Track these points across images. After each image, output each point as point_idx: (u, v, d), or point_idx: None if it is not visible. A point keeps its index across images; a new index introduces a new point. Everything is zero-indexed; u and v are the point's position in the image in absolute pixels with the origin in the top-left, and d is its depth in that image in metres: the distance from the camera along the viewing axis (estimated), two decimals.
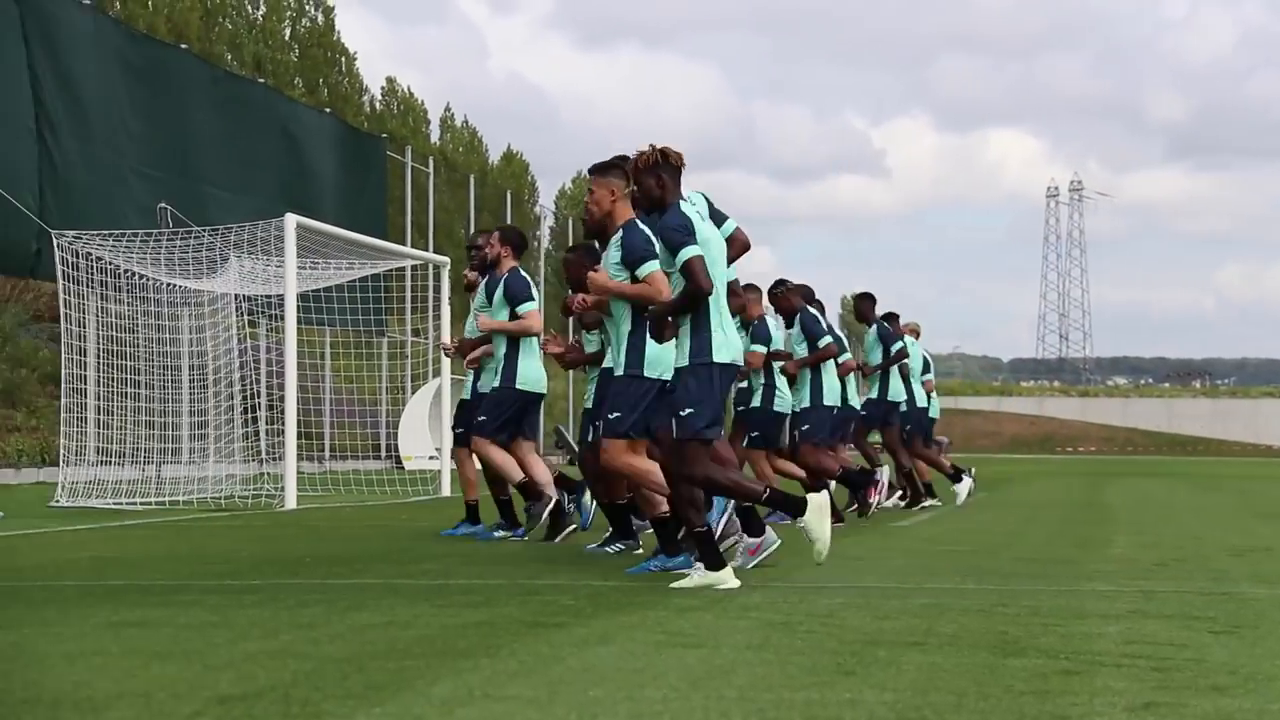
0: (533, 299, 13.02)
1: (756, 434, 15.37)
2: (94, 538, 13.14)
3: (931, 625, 7.08)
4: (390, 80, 64.90)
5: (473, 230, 47.99)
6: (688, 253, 8.73)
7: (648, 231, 9.31)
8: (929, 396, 20.63)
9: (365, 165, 36.67)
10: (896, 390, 18.84)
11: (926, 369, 20.95)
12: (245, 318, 23.37)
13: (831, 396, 15.92)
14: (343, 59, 58.30)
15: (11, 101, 23.98)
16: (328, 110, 40.26)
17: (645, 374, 9.49)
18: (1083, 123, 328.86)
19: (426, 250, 34.44)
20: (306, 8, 56.47)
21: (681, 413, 8.71)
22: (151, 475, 20.66)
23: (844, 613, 7.52)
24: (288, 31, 55.66)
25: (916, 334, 21.01)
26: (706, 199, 10.27)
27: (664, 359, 9.37)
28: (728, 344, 8.83)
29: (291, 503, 18.21)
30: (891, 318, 19.83)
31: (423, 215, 42.58)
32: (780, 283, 16.32)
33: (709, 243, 8.92)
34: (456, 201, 50.43)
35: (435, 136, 65.63)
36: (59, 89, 25.00)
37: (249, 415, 21.47)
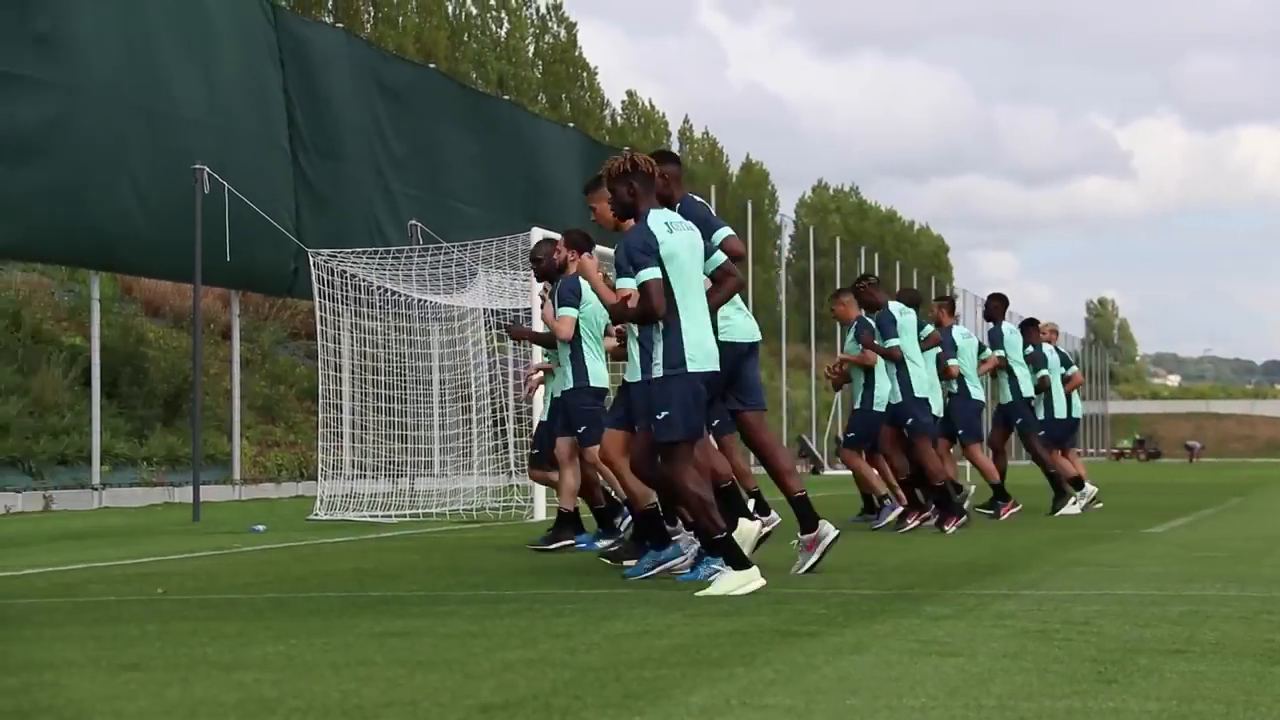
0: (573, 305, 12.88)
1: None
2: (353, 550, 13.44)
3: (1193, 633, 6.95)
4: (631, 93, 65.44)
5: None
6: (645, 275, 8.96)
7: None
8: (1069, 398, 20.24)
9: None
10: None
11: (1066, 367, 20.47)
12: (494, 331, 23.73)
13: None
14: (584, 74, 58.85)
15: (268, 124, 24.67)
16: (570, 125, 40.70)
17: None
18: None
19: None
20: (549, 24, 57.12)
21: (658, 416, 8.94)
22: (405, 488, 21.07)
23: (1101, 620, 7.41)
24: (531, 48, 56.35)
25: (1055, 335, 20.72)
26: (706, 205, 10.50)
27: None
28: (702, 350, 9.00)
29: (540, 514, 18.43)
30: (1031, 323, 19.91)
31: None
32: (864, 277, 16.47)
33: (676, 255, 9.06)
34: None
35: (675, 148, 65.86)
36: (312, 110, 25.66)
37: (498, 428, 21.79)
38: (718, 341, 9.63)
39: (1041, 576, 10.08)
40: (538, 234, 19.57)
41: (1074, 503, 19.05)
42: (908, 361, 15.66)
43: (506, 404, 21.58)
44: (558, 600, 8.70)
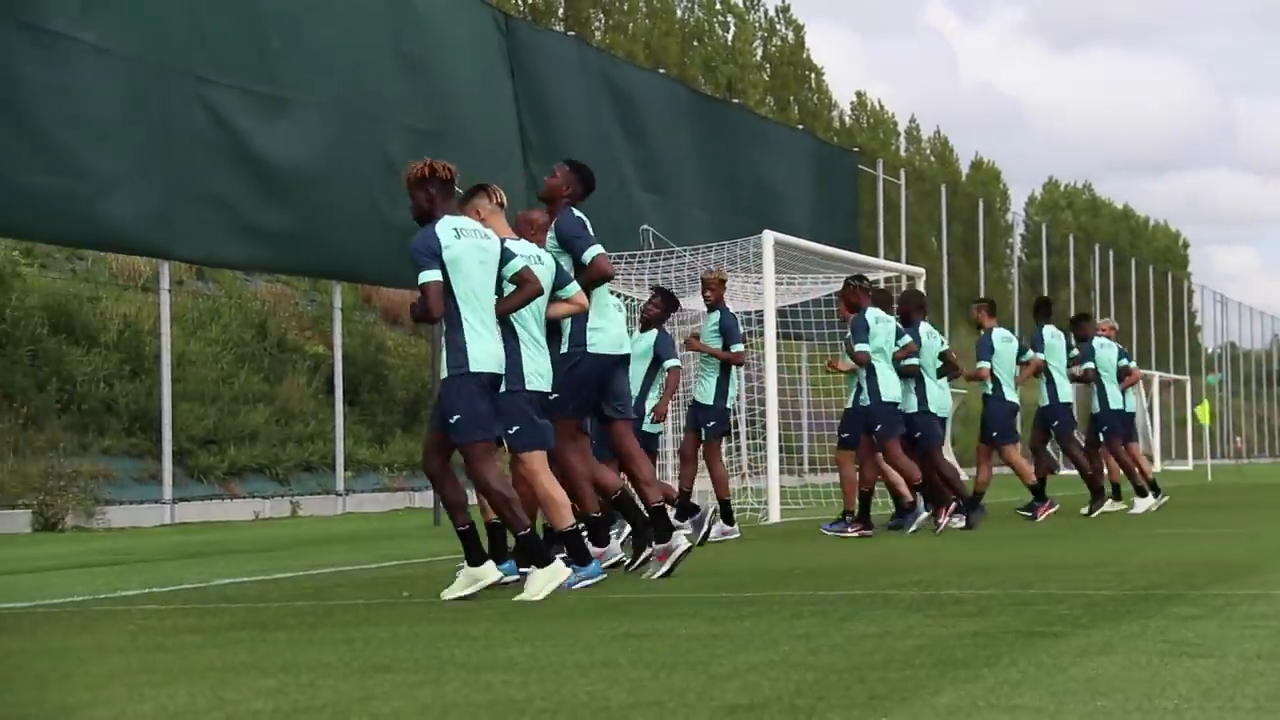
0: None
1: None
2: None
3: None
4: (860, 94, 65.17)
5: (944, 241, 47.75)
6: (425, 277, 9.21)
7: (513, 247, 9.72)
8: (1124, 394, 19.71)
9: (837, 180, 36.90)
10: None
11: (1123, 361, 19.92)
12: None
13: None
14: (811, 75, 58.74)
15: (499, 132, 25.02)
16: (799, 127, 40.67)
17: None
18: None
19: (899, 262, 34.45)
20: (777, 26, 57.13)
21: (449, 420, 9.20)
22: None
23: None
24: (759, 51, 56.40)
25: (1113, 331, 20.26)
26: (584, 221, 10.72)
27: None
28: (484, 352, 9.25)
29: (775, 516, 18.44)
30: (1083, 318, 19.99)
31: (894, 227, 42.59)
32: (856, 277, 16.45)
33: (459, 260, 9.24)
34: (926, 212, 50.28)
35: (902, 148, 65.48)
36: (543, 118, 25.97)
37: (731, 430, 21.78)
38: (587, 353, 10.30)
39: None
40: (770, 237, 19.61)
41: (1123, 503, 19.20)
42: (877, 367, 15.44)
43: (739, 407, 21.59)
44: (796, 602, 8.71)
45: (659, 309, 14.65)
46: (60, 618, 8.78)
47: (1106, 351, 19.72)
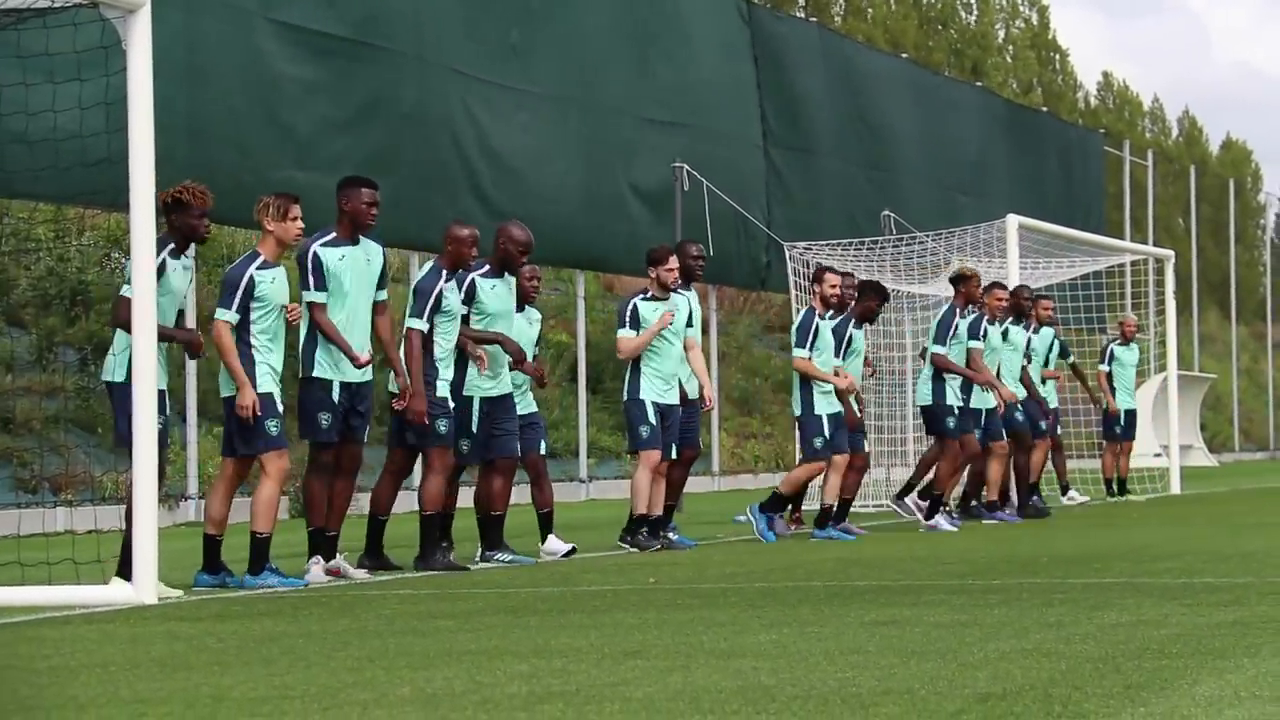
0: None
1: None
2: (835, 540, 13.49)
3: None
4: (1106, 75, 64.02)
5: (1194, 223, 46.76)
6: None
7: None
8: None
9: (1083, 162, 36.31)
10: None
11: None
12: None
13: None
14: (1056, 57, 57.87)
15: (742, 120, 25.06)
16: (1043, 109, 40.09)
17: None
18: None
19: (1145, 244, 33.83)
20: (1021, 8, 56.37)
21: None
22: (882, 478, 21.06)
23: None
24: (1001, 33, 55.70)
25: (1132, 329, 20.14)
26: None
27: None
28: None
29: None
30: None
31: (1140, 209, 41.78)
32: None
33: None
34: (1173, 194, 49.24)
35: (1147, 129, 64.23)
36: (785, 104, 25.95)
37: None
38: None
39: None
40: (1013, 220, 19.36)
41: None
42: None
43: None
44: (1045, 590, 8.61)
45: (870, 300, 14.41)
46: (320, 601, 9.00)
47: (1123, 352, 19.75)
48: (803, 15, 37.27)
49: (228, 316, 9.63)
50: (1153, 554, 11.20)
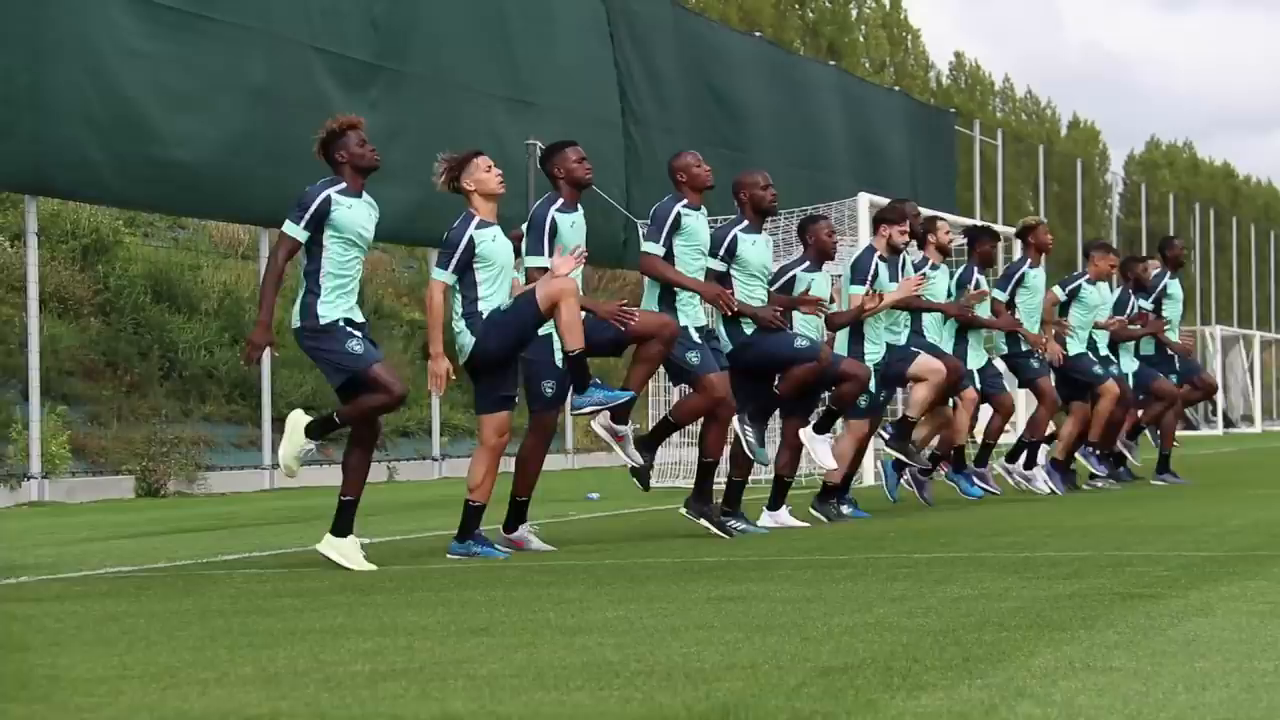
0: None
1: None
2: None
3: None
4: (958, 54, 64.73)
5: (1043, 201, 47.35)
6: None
7: None
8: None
9: (934, 141, 36.70)
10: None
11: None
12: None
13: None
14: (908, 37, 58.41)
15: (599, 98, 25.07)
16: (896, 89, 40.45)
17: None
18: None
19: (995, 223, 34.19)
20: None
21: None
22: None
23: None
24: (854, 12, 56.13)
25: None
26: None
27: None
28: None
29: (869, 479, 18.38)
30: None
31: (990, 188, 42.30)
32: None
33: None
34: (1023, 173, 49.88)
35: (1001, 109, 65.04)
36: (642, 82, 25.99)
37: None
38: None
39: None
40: (865, 199, 19.51)
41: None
42: None
43: None
44: (891, 565, 8.70)
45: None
46: (163, 581, 8.91)
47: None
48: None
49: (443, 277, 9.85)
50: (997, 529, 11.34)
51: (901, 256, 13.19)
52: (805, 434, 12.09)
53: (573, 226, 10.26)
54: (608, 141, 25.00)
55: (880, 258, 12.91)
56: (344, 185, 9.51)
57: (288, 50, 20.17)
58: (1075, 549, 9.34)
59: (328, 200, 9.37)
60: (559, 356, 10.11)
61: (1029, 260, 15.74)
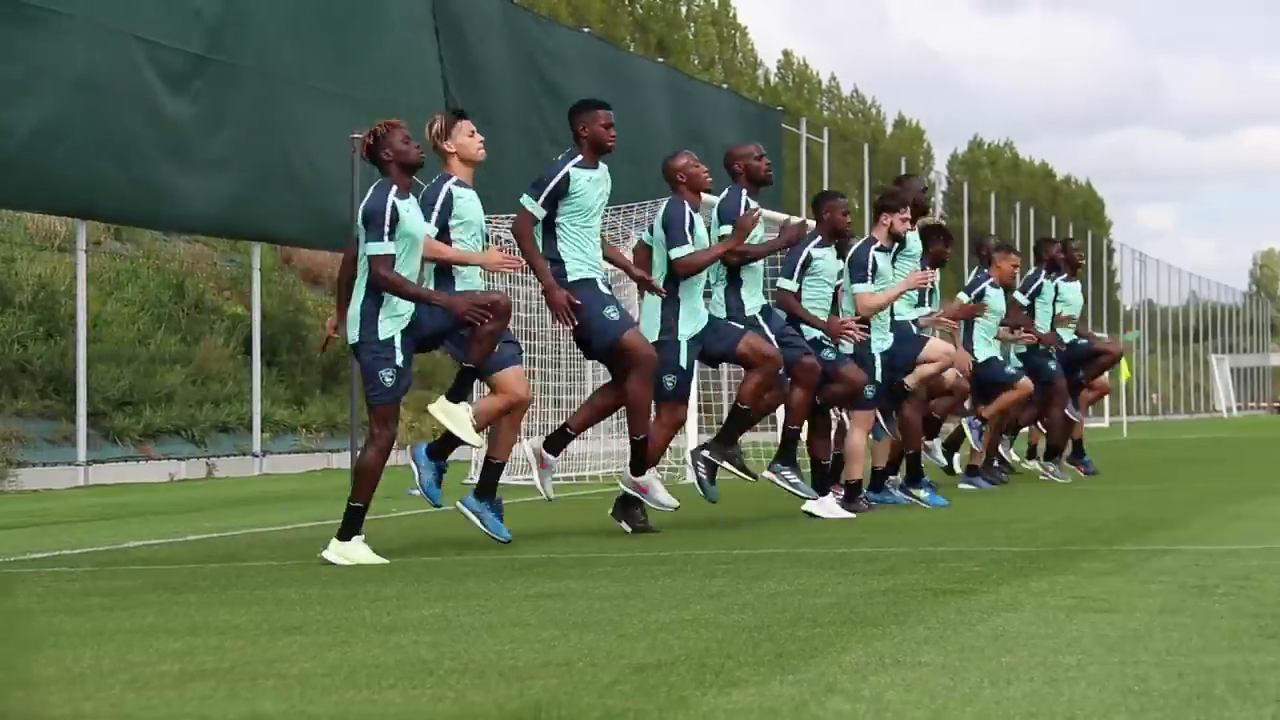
0: None
1: None
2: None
3: None
4: (786, 53, 65.26)
5: (867, 199, 47.86)
6: None
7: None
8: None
9: (761, 138, 36.89)
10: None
11: None
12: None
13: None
14: (736, 34, 58.77)
15: (424, 92, 24.90)
16: (724, 86, 40.66)
17: None
18: None
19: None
20: None
21: None
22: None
23: (1262, 575, 7.30)
24: (684, 9, 56.36)
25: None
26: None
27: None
28: None
29: (692, 476, 18.42)
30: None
31: (817, 185, 42.65)
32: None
33: None
34: (850, 171, 50.38)
35: (827, 107, 65.66)
36: (468, 77, 25.86)
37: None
38: None
39: (1201, 531, 9.96)
40: None
41: None
42: None
43: None
44: (711, 561, 8.73)
45: None
46: None
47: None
48: None
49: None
50: (816, 524, 11.44)
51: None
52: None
53: (589, 181, 10.40)
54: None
55: (879, 248, 12.86)
56: (396, 187, 9.34)
57: (110, 40, 19.85)
58: (892, 545, 9.44)
59: (395, 209, 9.20)
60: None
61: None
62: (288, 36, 22.53)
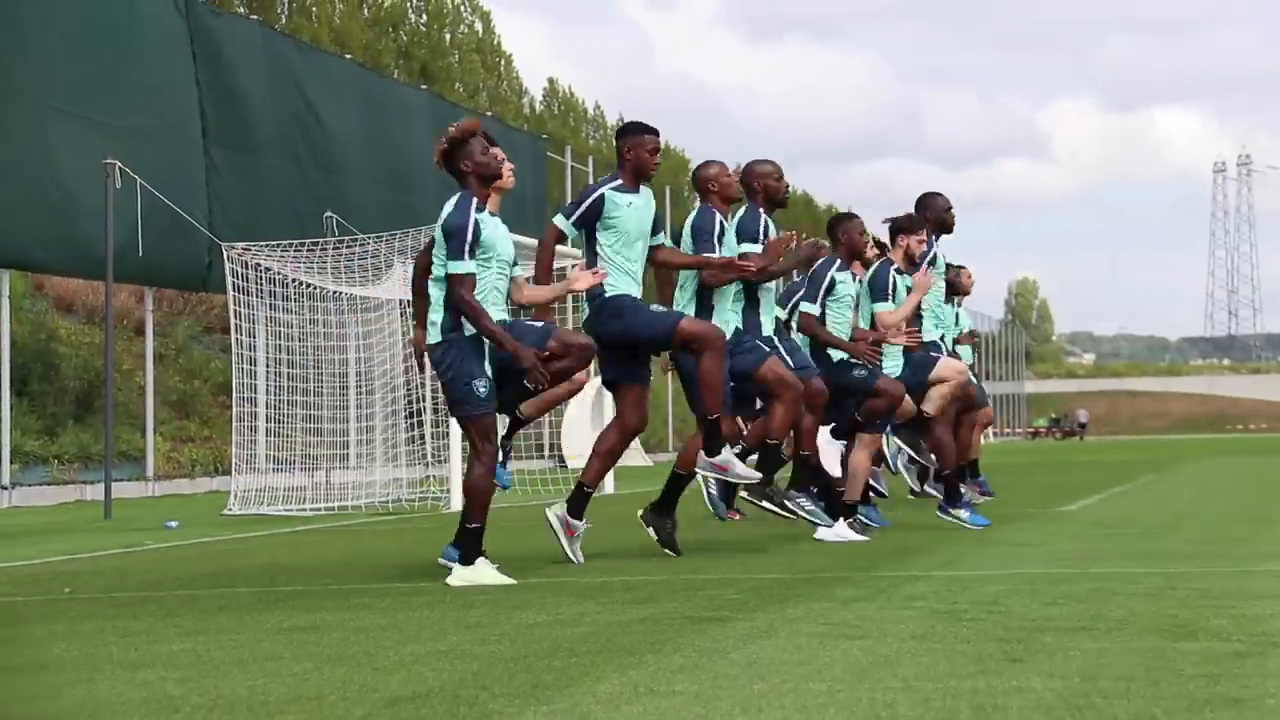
0: None
1: None
2: (266, 544, 13.36)
3: (1099, 610, 7.01)
4: (551, 81, 65.41)
5: None
6: None
7: None
8: None
9: (525, 166, 36.97)
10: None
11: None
12: (410, 322, 23.60)
13: None
14: (501, 61, 58.80)
15: (180, 117, 24.52)
16: (489, 113, 40.63)
17: None
18: (1251, 97, 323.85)
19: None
20: (464, 14, 57.04)
21: None
22: (321, 481, 20.97)
23: (1010, 600, 7.46)
24: (448, 37, 56.25)
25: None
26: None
27: None
28: None
29: (457, 504, 18.38)
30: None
31: None
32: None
33: None
34: None
35: (593, 135, 65.98)
36: (226, 103, 25.50)
37: (414, 419, 21.71)
38: None
39: (953, 557, 10.14)
40: None
41: None
42: None
43: (423, 394, 21.48)
44: (469, 591, 8.67)
45: None
46: None
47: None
48: (245, 12, 36.71)
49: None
50: (587, 553, 11.41)
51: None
52: (823, 436, 12.22)
53: (629, 206, 10.20)
54: (189, 161, 24.50)
55: (897, 270, 12.82)
56: (476, 200, 9.12)
57: None
58: (653, 573, 9.46)
59: (477, 226, 8.97)
60: None
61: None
62: (40, 59, 22.04)
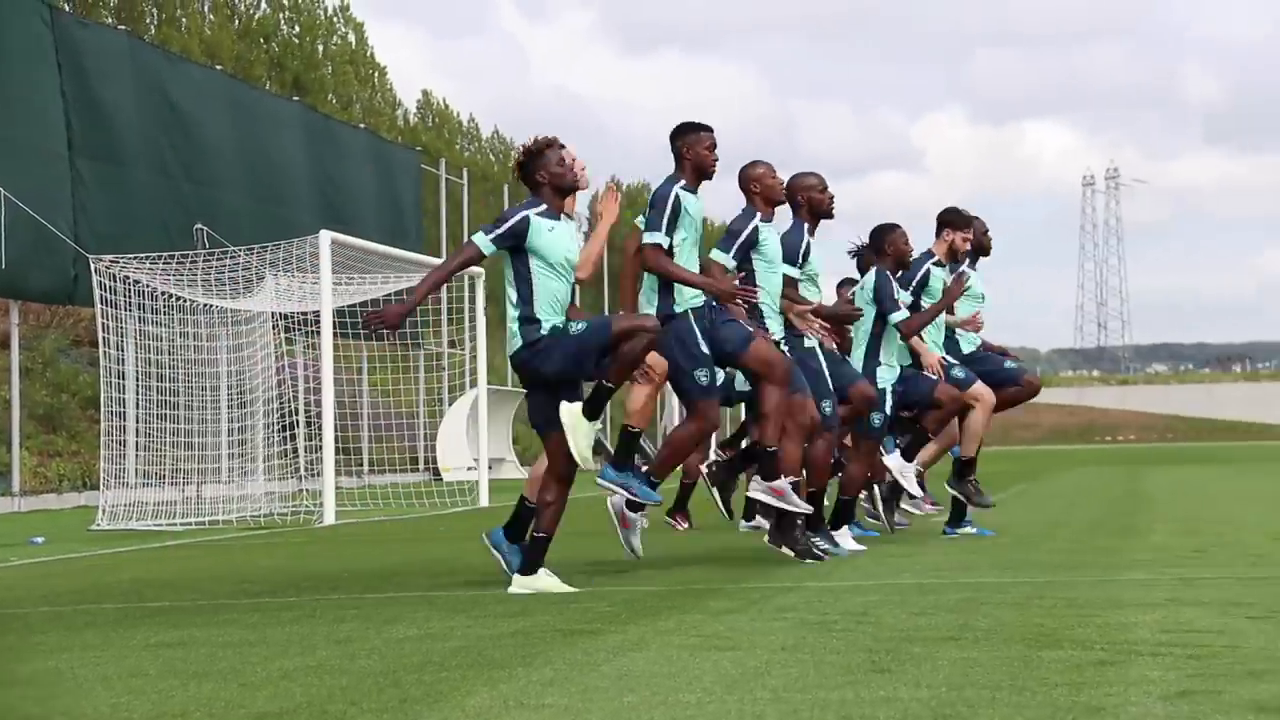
0: None
1: None
2: (134, 560, 13.19)
3: (967, 620, 7.07)
4: (426, 93, 65.19)
5: None
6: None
7: None
8: None
9: (400, 179, 36.84)
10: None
11: None
12: (282, 335, 23.44)
13: None
14: (375, 74, 58.52)
15: (44, 129, 24.16)
16: (362, 125, 40.42)
17: None
18: (1119, 111, 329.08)
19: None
20: (337, 25, 56.72)
21: None
22: (192, 495, 20.76)
23: (879, 610, 7.51)
24: (321, 49, 55.90)
25: None
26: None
27: None
28: None
29: (330, 518, 18.26)
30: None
31: (458, 227, 42.69)
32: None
33: None
34: (490, 211, 50.53)
35: (467, 148, 65.83)
36: (91, 114, 25.16)
37: (287, 432, 21.54)
38: None
39: (825, 569, 10.20)
40: (326, 236, 19.37)
41: None
42: None
43: (296, 408, 21.34)
44: (340, 606, 8.62)
45: None
46: None
47: None
48: (113, 23, 36.29)
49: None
50: (448, 568, 11.38)
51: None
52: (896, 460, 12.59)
53: (695, 205, 10.14)
54: (53, 173, 24.14)
55: (936, 263, 12.66)
56: (544, 207, 9.02)
57: None
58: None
59: (525, 221, 8.92)
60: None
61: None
62: None
